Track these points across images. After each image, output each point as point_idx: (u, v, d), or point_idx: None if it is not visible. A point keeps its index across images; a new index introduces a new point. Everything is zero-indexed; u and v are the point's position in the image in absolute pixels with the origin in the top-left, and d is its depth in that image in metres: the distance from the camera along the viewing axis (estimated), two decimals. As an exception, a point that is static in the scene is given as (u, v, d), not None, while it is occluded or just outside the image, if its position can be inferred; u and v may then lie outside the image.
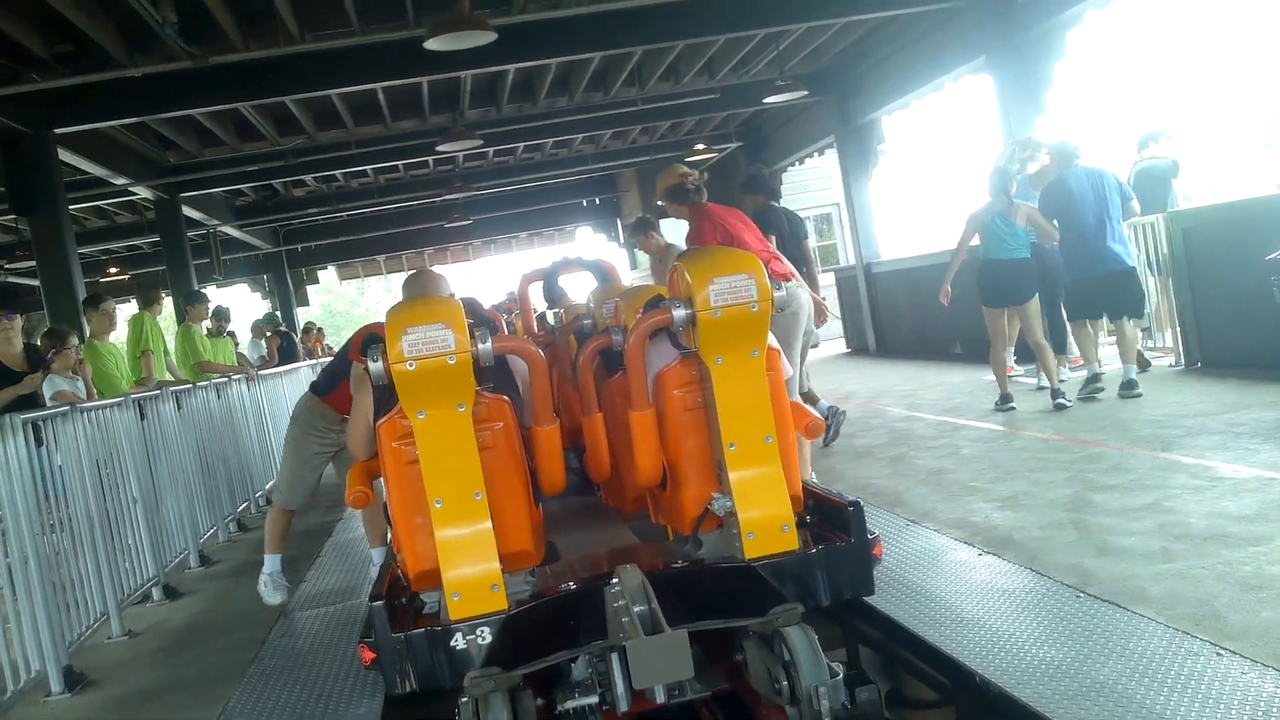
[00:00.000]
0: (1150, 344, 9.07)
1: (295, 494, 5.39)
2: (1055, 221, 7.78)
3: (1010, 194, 7.88)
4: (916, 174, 45.95)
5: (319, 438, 5.27)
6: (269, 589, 5.33)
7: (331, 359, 5.74)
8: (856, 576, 3.19)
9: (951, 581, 4.00)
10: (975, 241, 8.13)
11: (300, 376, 12.36)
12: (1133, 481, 5.10)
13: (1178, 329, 8.47)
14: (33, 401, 6.48)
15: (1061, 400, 7.51)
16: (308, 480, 5.35)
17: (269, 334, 14.68)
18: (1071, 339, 8.72)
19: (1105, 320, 8.37)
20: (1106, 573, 3.84)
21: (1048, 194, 7.96)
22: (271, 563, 5.35)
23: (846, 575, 3.17)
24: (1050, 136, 8.90)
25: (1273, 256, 6.19)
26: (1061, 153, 7.95)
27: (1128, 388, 7.45)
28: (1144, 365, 8.52)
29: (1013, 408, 7.83)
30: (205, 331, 10.46)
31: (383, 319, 3.06)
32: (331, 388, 5.21)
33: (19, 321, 7.08)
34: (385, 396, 3.15)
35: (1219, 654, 2.94)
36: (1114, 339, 8.08)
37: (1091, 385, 7.66)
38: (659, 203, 6.79)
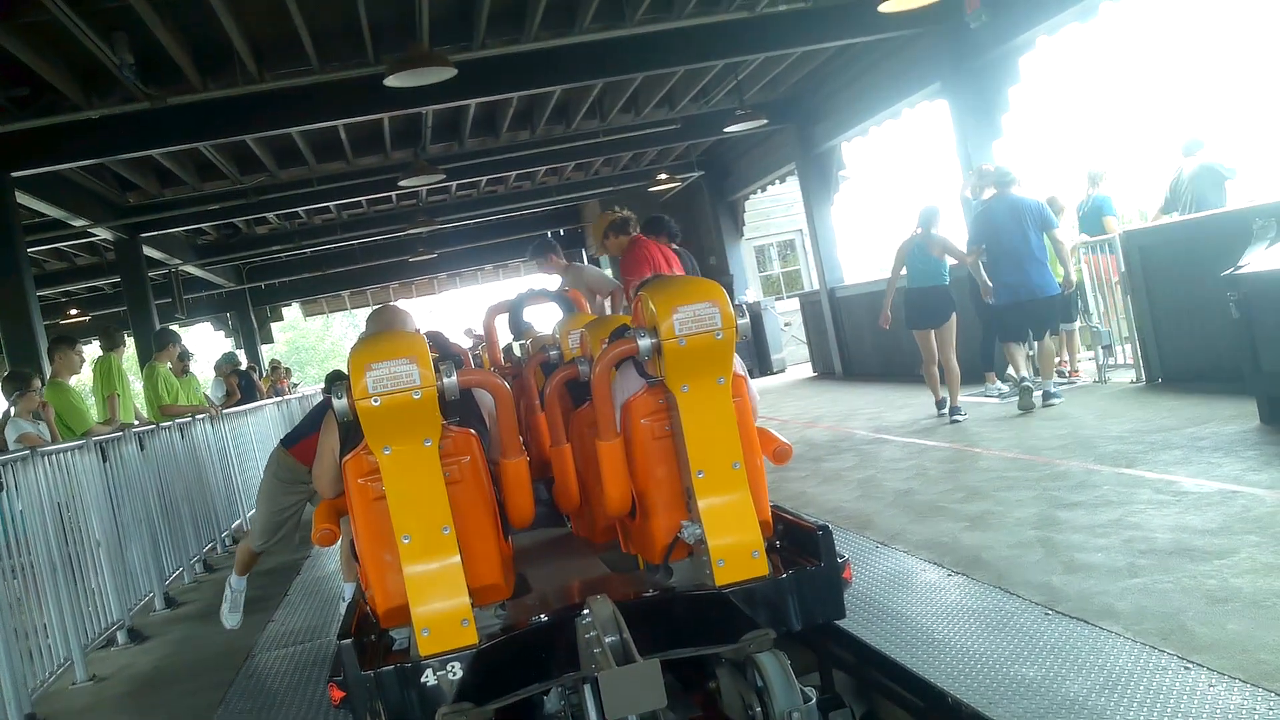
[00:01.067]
0: (1110, 360, 9.21)
1: (267, 540, 5.40)
2: (983, 246, 8.47)
3: (930, 228, 8.71)
4: (878, 198, 46.44)
5: (288, 488, 5.27)
6: (228, 610, 5.56)
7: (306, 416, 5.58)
8: (827, 600, 3.19)
9: (922, 603, 4.02)
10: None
11: (265, 414, 12.26)
12: (1098, 498, 5.14)
13: (1137, 345, 8.59)
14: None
15: (958, 417, 8.40)
16: (281, 528, 5.35)
17: (228, 373, 14.57)
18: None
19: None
20: (1074, 589, 3.87)
21: (975, 221, 8.67)
22: (237, 583, 5.55)
23: (818, 599, 3.17)
24: (990, 163, 9.43)
25: (1228, 272, 6.30)
26: (996, 179, 8.54)
27: (1047, 398, 8.22)
28: (1103, 380, 8.98)
29: (960, 417, 8.44)
30: (169, 369, 10.34)
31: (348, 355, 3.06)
32: (298, 440, 5.22)
33: None
34: (351, 433, 3.14)
35: (1186, 667, 2.97)
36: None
37: (1025, 398, 8.23)
38: (604, 241, 7.08)
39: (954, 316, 8.71)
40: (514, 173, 16.36)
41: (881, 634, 3.67)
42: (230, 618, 5.56)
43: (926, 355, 8.89)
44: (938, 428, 8.38)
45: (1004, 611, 3.73)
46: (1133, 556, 4.13)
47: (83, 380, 9.26)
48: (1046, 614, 3.61)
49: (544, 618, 3.11)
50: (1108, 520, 4.72)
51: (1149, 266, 8.35)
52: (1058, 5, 8.99)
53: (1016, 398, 8.36)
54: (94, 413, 8.94)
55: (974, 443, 7.39)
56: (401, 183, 12.57)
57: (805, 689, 2.71)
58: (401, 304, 7.86)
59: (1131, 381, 8.67)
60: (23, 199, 10.25)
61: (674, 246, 7.22)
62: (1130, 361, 8.87)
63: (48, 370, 8.33)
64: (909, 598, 4.10)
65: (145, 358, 10.51)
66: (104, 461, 6.40)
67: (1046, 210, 8.29)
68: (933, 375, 8.90)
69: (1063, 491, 5.43)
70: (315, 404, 5.61)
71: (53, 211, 11.61)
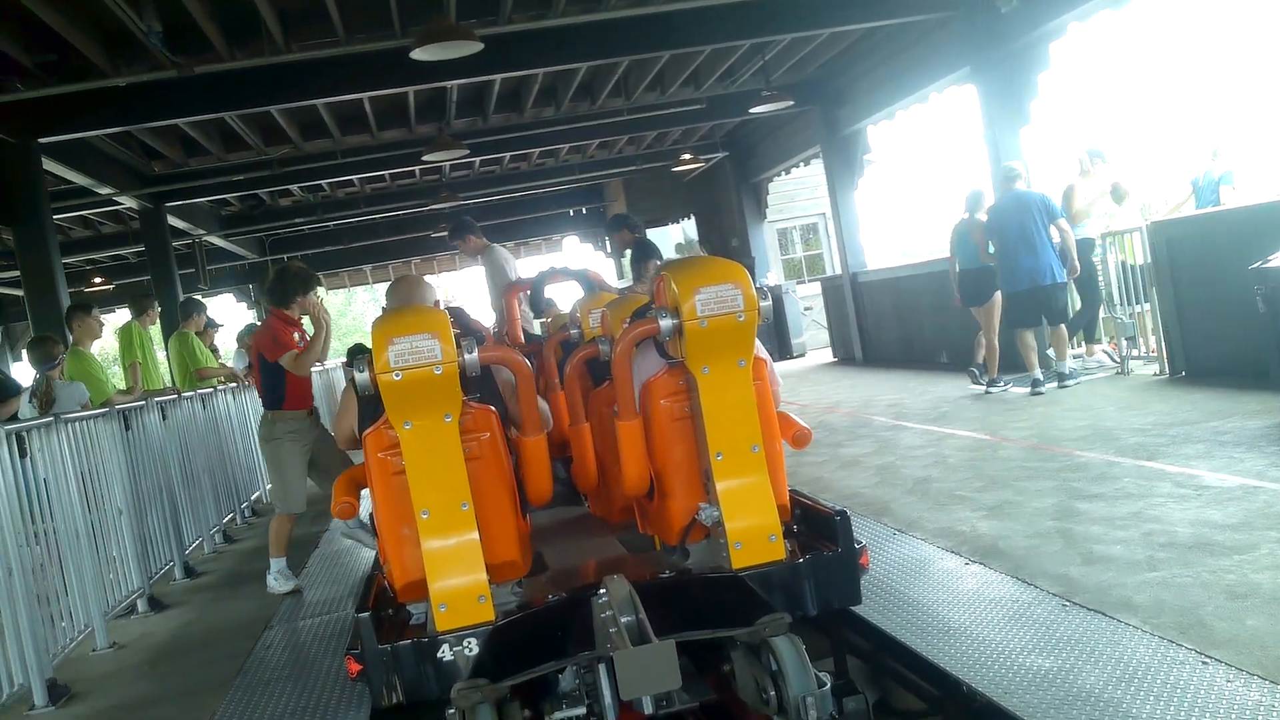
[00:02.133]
0: (1134, 352, 9.14)
1: (291, 499, 5.84)
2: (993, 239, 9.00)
3: (974, 212, 9.23)
4: (902, 183, 46.12)
5: (291, 441, 5.77)
6: (279, 581, 5.81)
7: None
8: (844, 586, 3.19)
9: (939, 591, 4.01)
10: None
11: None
12: (1118, 490, 5.11)
13: (1161, 337, 8.52)
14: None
15: (993, 389, 9.11)
16: (297, 482, 5.81)
17: (249, 344, 14.63)
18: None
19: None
20: (1092, 581, 3.85)
21: (989, 214, 9.10)
22: (276, 564, 5.84)
23: (834, 585, 3.17)
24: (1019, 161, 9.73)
25: (1256, 265, 6.23)
26: (1003, 175, 9.09)
27: (1062, 380, 8.77)
28: (1126, 372, 9.04)
29: (997, 389, 9.11)
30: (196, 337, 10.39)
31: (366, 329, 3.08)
32: (277, 396, 5.75)
33: None
34: (371, 407, 3.14)
35: (1204, 662, 2.95)
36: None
37: (1034, 388, 8.70)
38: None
39: (996, 296, 9.13)
40: (538, 149, 16.32)
41: (897, 621, 3.67)
42: (285, 585, 5.81)
43: (983, 328, 9.39)
44: (958, 414, 8.35)
45: (1021, 602, 3.72)
46: (1152, 550, 4.11)
47: (105, 347, 9.29)
48: (1064, 605, 3.59)
49: (560, 596, 3.11)
50: (1127, 513, 4.69)
51: (1176, 258, 8.27)
52: (1092, -10, 8.87)
53: (1029, 387, 8.78)
54: (118, 380, 8.99)
55: (994, 431, 7.35)
56: (425, 157, 12.56)
57: (820, 674, 2.70)
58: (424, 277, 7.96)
59: (1154, 374, 8.60)
60: (49, 165, 10.29)
61: (637, 236, 7.18)
62: (1153, 353, 8.81)
63: (70, 338, 8.37)
64: (925, 585, 4.09)
65: (170, 326, 10.55)
66: (126, 430, 6.44)
67: (1051, 201, 8.77)
68: (991, 345, 9.28)
69: (1083, 483, 5.40)
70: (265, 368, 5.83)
71: (79, 179, 11.65)
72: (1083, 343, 10.08)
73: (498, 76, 11.24)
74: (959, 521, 5.08)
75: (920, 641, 3.44)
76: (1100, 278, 9.46)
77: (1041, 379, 8.76)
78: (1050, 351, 9.08)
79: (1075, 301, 9.69)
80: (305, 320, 5.93)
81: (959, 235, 9.39)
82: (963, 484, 5.89)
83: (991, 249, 8.94)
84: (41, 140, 9.77)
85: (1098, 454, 6.02)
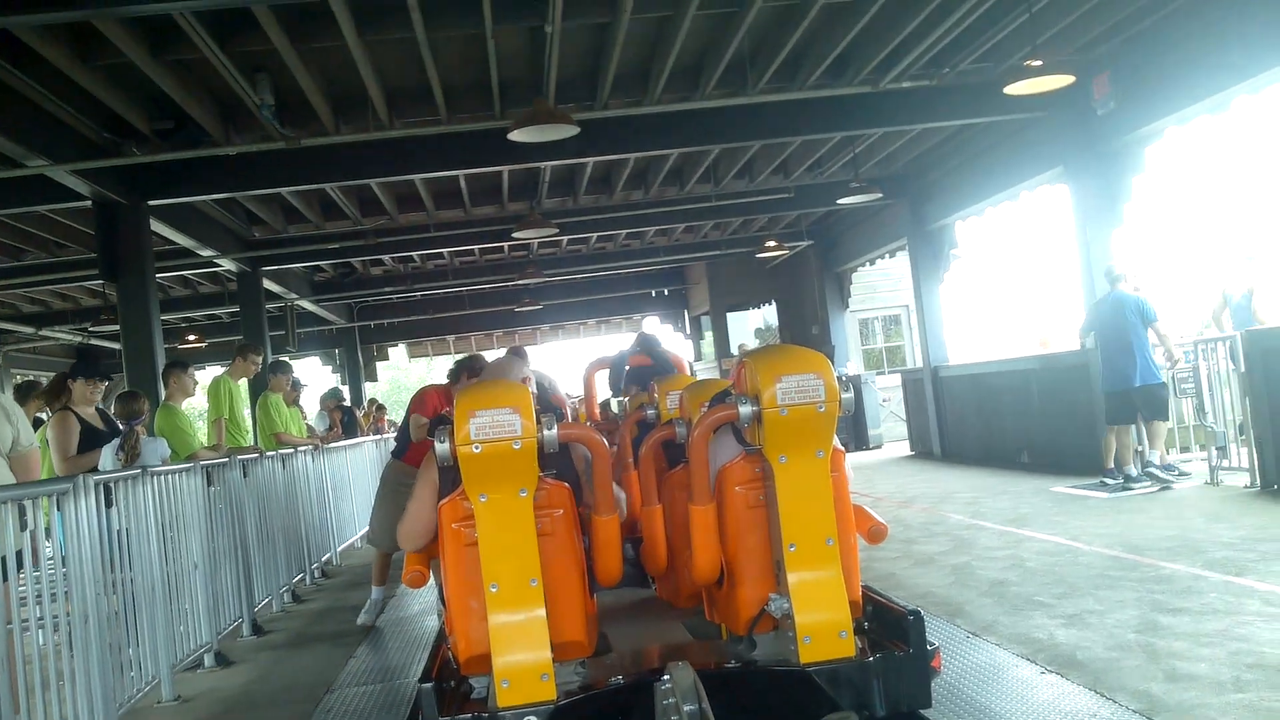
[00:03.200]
0: (1225, 462, 8.87)
1: (378, 537, 6.89)
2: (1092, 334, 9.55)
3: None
4: (989, 278, 45.60)
5: (394, 489, 6.48)
6: (364, 613, 6.92)
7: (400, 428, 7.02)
8: (914, 688, 3.10)
9: (1012, 700, 3.89)
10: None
11: (364, 450, 12.53)
12: (1204, 605, 4.93)
13: (1254, 449, 8.26)
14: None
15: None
16: (388, 524, 6.42)
17: (332, 407, 14.93)
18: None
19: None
20: (1175, 700, 3.70)
21: (1088, 311, 9.59)
22: (377, 593, 7.00)
23: (904, 686, 3.08)
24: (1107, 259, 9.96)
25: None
26: (1105, 276, 9.37)
27: (1164, 470, 8.93)
28: (1215, 482, 8.82)
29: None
30: (281, 398, 10.63)
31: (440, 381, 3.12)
32: (405, 449, 6.59)
33: (103, 386, 7.30)
34: (449, 478, 3.18)
35: (1294, 795, 2.81)
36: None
37: (1126, 484, 8.93)
38: None
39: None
40: (625, 231, 16.55)
41: (968, 728, 3.56)
42: (365, 617, 6.88)
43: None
44: (1037, 516, 8.15)
45: (1099, 717, 3.59)
46: (1239, 670, 3.94)
47: (191, 404, 9.51)
48: (1144, 724, 3.46)
49: (623, 679, 3.08)
50: (1214, 630, 4.51)
51: (1270, 368, 8.05)
52: (1189, 96, 8.80)
53: (1121, 487, 8.94)
54: (204, 436, 9.21)
55: (1075, 536, 7.15)
56: (515, 234, 12.82)
57: (885, 778, 2.63)
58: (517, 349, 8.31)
59: (1245, 485, 8.32)
60: (156, 226, 10.72)
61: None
62: (1245, 465, 8.53)
63: (162, 394, 8.60)
64: (998, 693, 3.97)
65: (259, 386, 10.82)
66: (209, 485, 6.59)
67: (1146, 305, 8.91)
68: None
69: (1167, 595, 5.22)
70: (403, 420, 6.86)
71: (183, 240, 12.09)
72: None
73: (591, 160, 11.48)
74: (1036, 628, 4.93)
75: (991, 752, 3.33)
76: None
77: (1134, 475, 8.98)
78: (1143, 446, 9.21)
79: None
80: None
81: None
82: (1041, 589, 5.72)
83: (1089, 343, 9.46)
84: (151, 202, 10.20)
85: (1184, 566, 5.82)
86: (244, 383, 9.77)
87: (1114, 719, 3.55)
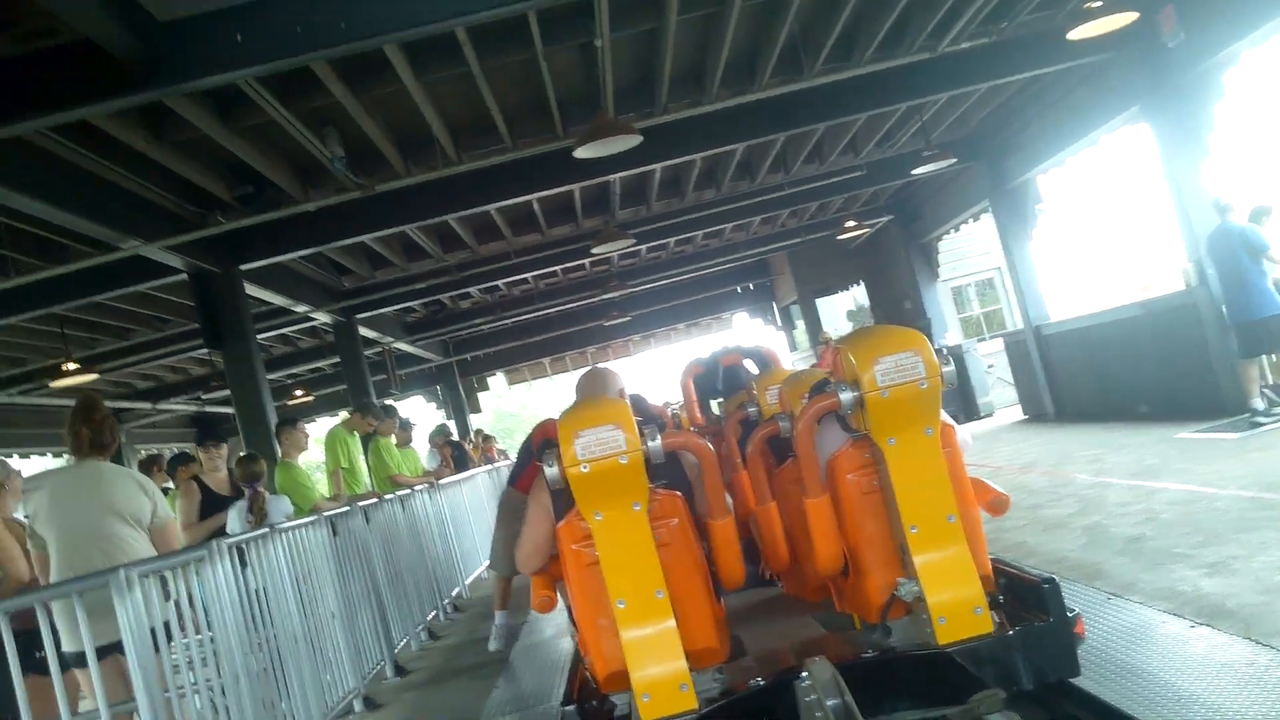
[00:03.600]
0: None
1: (507, 562, 6.68)
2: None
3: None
4: (1080, 229, 44.41)
5: (522, 517, 6.29)
6: (493, 640, 7.16)
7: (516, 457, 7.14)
8: (1059, 657, 3.03)
9: (1164, 657, 3.77)
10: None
11: (477, 482, 12.72)
12: (1356, 537, 4.72)
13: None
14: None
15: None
16: (504, 547, 6.66)
17: (441, 444, 15.19)
18: None
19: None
20: (1338, 639, 3.55)
21: (1206, 244, 9.29)
22: (499, 617, 7.21)
23: (1048, 656, 3.02)
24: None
25: None
26: (1214, 207, 9.12)
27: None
28: None
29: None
30: (394, 443, 10.87)
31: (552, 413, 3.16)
32: (519, 476, 6.59)
33: (225, 449, 7.54)
34: (562, 500, 3.21)
35: None
36: None
37: (1254, 420, 8.60)
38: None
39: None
40: (701, 231, 16.52)
41: (1121, 692, 3.45)
42: (494, 644, 7.14)
43: None
44: (1165, 466, 7.89)
45: (1257, 665, 3.46)
46: (1404, 601, 3.76)
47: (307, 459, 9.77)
48: (1308, 667, 3.32)
49: (762, 681, 3.07)
50: (1370, 562, 4.32)
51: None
52: (1262, 15, 8.44)
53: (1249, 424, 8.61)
54: (323, 487, 9.46)
55: (1208, 482, 6.90)
56: (594, 250, 12.89)
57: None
58: (605, 365, 8.35)
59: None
60: (250, 289, 11.06)
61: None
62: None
63: (279, 452, 8.85)
64: (1149, 652, 3.85)
65: (369, 433, 11.08)
66: (334, 535, 6.75)
67: (1250, 234, 8.71)
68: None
69: (1314, 531, 5.01)
70: (520, 449, 6.94)
71: (277, 299, 12.45)
72: None
73: (658, 165, 11.49)
74: (1179, 581, 4.77)
75: (1149, 713, 3.23)
76: None
77: (1261, 407, 8.75)
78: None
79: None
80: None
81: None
82: (1179, 540, 5.54)
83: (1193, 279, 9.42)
84: (242, 267, 10.53)
85: (1328, 499, 5.58)
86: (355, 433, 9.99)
87: (1274, 665, 3.41)
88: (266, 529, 5.64)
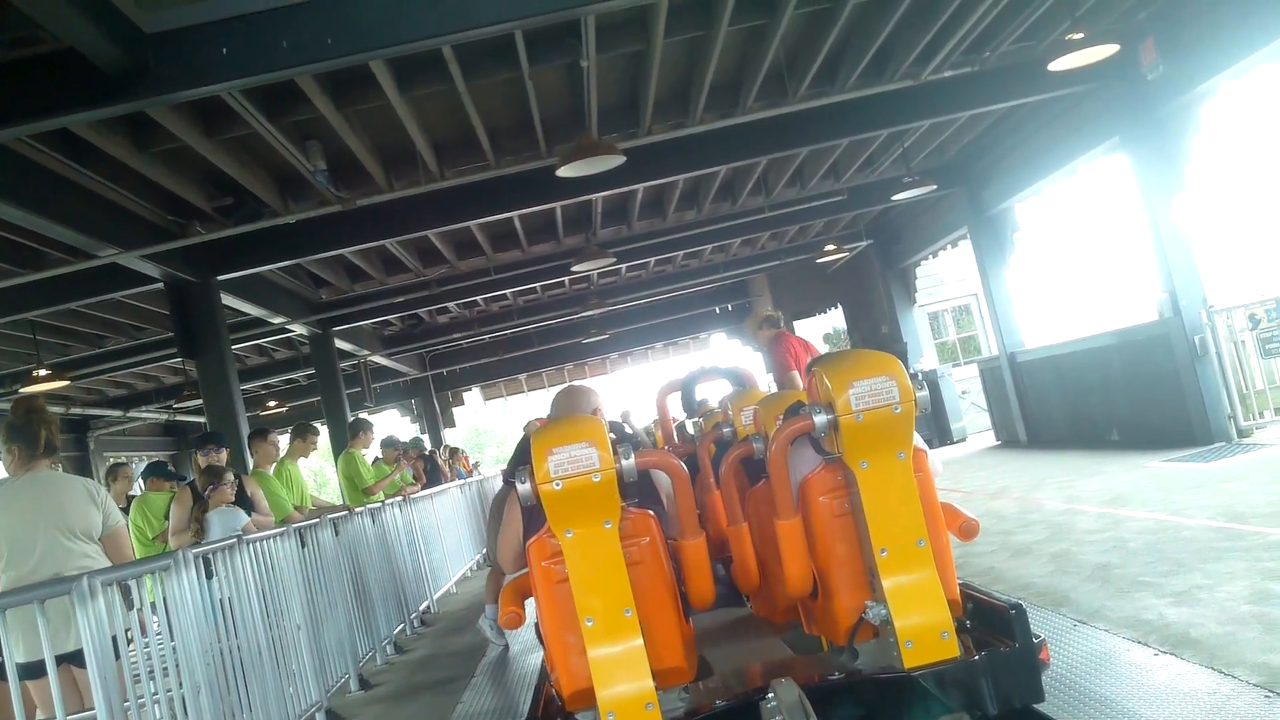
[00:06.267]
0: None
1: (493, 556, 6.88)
2: None
3: None
4: (1056, 257, 44.72)
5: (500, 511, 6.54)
6: (493, 631, 7.28)
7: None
8: (1024, 683, 3.05)
9: (1127, 685, 3.79)
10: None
11: (449, 496, 12.67)
12: (1320, 570, 4.77)
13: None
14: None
15: None
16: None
17: (415, 458, 15.14)
18: None
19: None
20: (1299, 671, 3.58)
21: None
22: (491, 610, 7.19)
23: (1013, 682, 3.03)
24: None
25: None
26: None
27: None
28: None
29: None
30: (374, 459, 10.90)
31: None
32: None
33: (224, 454, 7.51)
34: (534, 517, 3.21)
35: None
36: None
37: None
38: (757, 333, 8.37)
39: None
40: (681, 252, 16.57)
41: (1085, 719, 3.47)
42: (490, 634, 7.32)
43: None
44: (1135, 495, 7.95)
45: (1219, 694, 3.49)
46: (1365, 634, 3.80)
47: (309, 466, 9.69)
48: (1266, 696, 3.35)
49: (727, 701, 3.07)
50: (1333, 594, 4.36)
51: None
52: (1240, 49, 8.58)
53: None
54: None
55: (1176, 511, 6.97)
56: (574, 268, 12.92)
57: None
58: (582, 382, 8.46)
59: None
60: (227, 300, 11.00)
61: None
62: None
63: (251, 461, 8.79)
64: (1113, 680, 3.88)
65: (340, 445, 11.04)
66: (302, 547, 6.70)
67: None
68: None
69: (1278, 563, 5.05)
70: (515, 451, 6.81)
71: (253, 310, 12.39)
72: None
73: (640, 186, 11.54)
74: (1145, 609, 4.81)
75: (1112, 741, 3.25)
76: None
77: None
78: None
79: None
80: None
81: None
82: (1146, 569, 5.58)
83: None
84: (220, 277, 10.48)
85: (1293, 531, 5.64)
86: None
87: (1235, 695, 3.44)
88: (234, 539, 5.59)
